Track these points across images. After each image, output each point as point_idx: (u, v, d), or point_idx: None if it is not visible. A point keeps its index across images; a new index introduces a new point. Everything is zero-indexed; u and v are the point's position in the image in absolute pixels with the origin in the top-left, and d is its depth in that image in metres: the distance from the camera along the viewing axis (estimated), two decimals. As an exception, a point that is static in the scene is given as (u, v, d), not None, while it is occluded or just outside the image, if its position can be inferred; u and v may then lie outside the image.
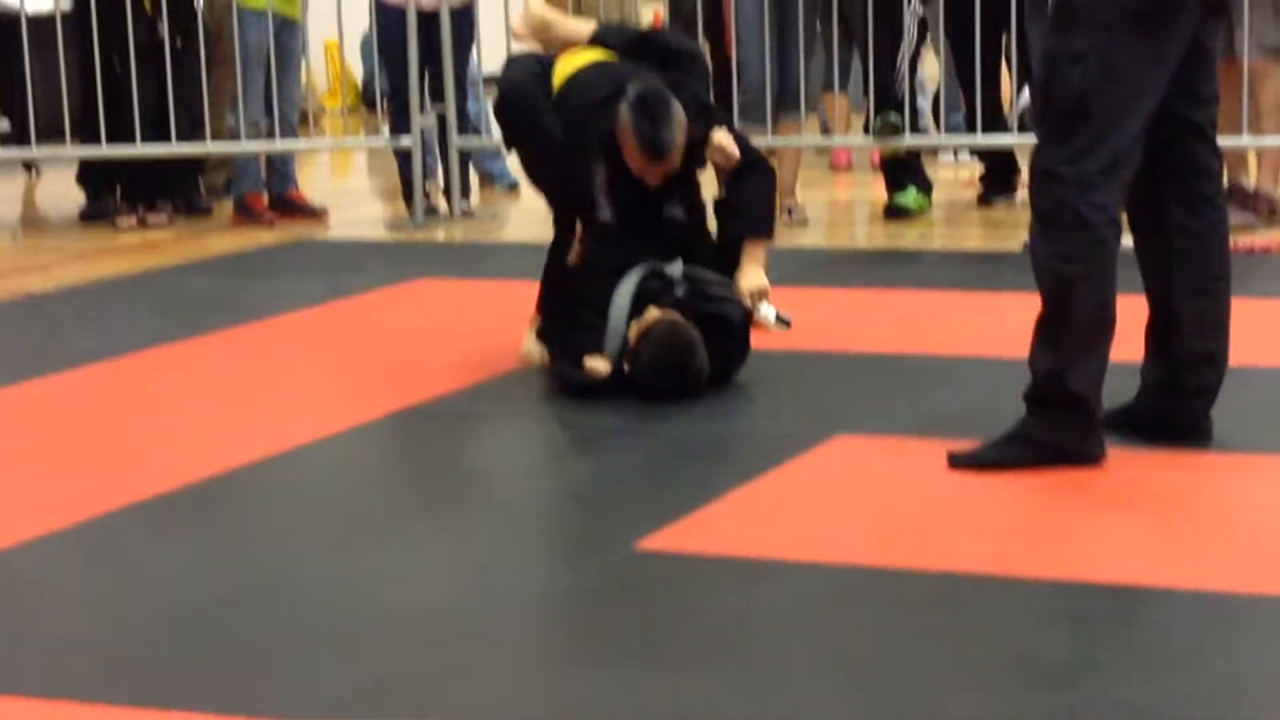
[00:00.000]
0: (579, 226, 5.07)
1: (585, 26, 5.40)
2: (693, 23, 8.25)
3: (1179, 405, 4.23)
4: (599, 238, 5.01)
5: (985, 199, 8.14)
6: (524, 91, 5.12)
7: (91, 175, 8.51)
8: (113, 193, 8.41)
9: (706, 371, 4.81)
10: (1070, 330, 4.03)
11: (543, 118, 5.07)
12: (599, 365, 4.81)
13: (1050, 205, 4.02)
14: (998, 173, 8.19)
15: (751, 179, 5.12)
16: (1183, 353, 4.19)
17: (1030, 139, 7.52)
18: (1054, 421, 4.07)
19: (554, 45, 5.33)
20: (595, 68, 5.17)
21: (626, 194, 4.99)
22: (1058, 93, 3.99)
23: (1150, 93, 3.99)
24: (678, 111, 4.89)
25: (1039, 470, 4.04)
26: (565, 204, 5.15)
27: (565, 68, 5.17)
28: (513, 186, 9.01)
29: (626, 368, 4.82)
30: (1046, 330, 4.06)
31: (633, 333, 4.82)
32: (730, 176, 5.12)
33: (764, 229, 5.16)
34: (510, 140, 5.38)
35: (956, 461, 4.12)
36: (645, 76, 5.01)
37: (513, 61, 5.30)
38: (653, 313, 4.83)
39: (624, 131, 4.89)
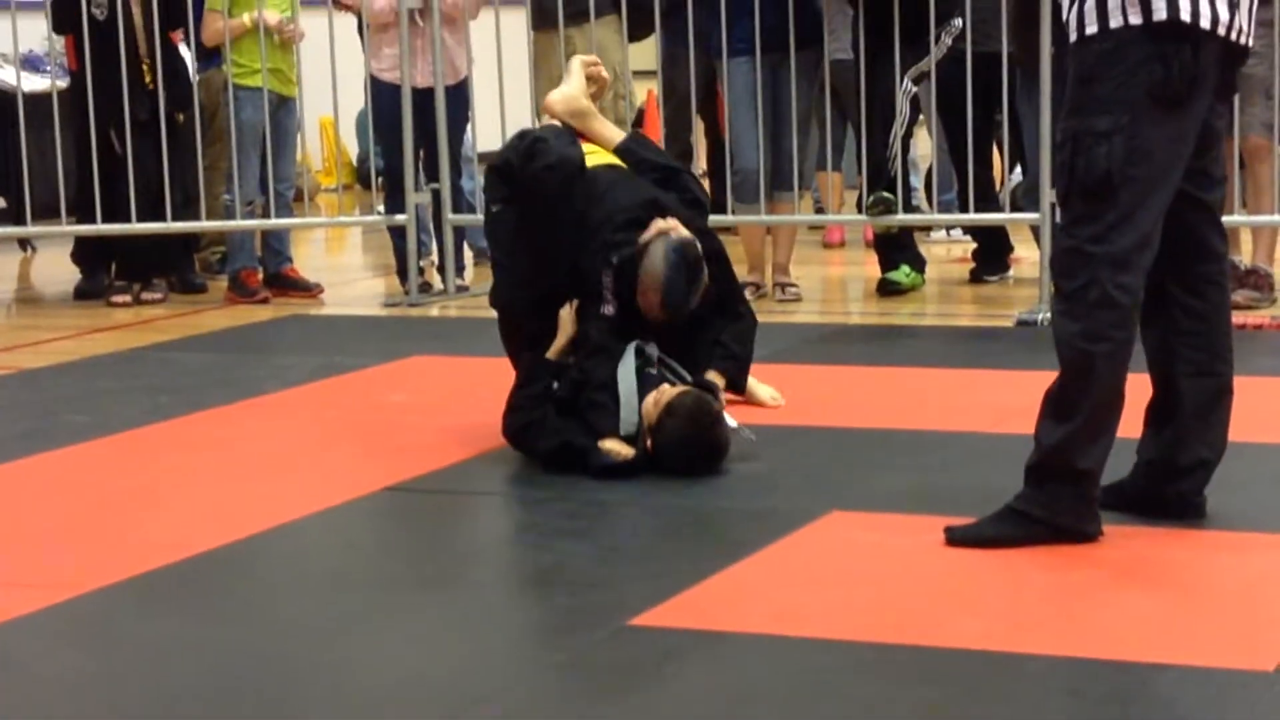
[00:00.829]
0: (569, 315, 5.06)
1: (616, 135, 5.45)
2: (686, 102, 8.30)
3: (1174, 483, 4.22)
4: (601, 326, 5.01)
5: (977, 276, 8.16)
6: (573, 165, 5.14)
7: (87, 253, 8.53)
8: (108, 270, 8.42)
9: (729, 445, 4.83)
10: (1088, 408, 4.03)
11: (577, 199, 5.10)
12: (622, 448, 4.80)
13: (1078, 284, 4.02)
14: (990, 250, 8.22)
15: (742, 327, 5.30)
16: (1181, 432, 4.19)
17: (1021, 217, 7.65)
18: (1053, 496, 4.07)
19: (581, 136, 5.39)
20: (616, 173, 5.24)
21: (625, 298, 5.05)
22: (1083, 172, 4.00)
23: (1174, 171, 4.02)
24: (705, 275, 5.01)
25: (1036, 546, 4.03)
26: (552, 284, 5.12)
27: (589, 158, 5.25)
28: None
29: (648, 444, 4.81)
30: (1061, 405, 4.06)
31: (649, 408, 4.82)
32: (718, 318, 5.22)
33: (743, 381, 5.36)
34: (533, 197, 5.18)
35: (954, 537, 4.12)
36: (673, 216, 5.08)
37: (559, 133, 5.31)
38: (669, 389, 4.84)
39: (652, 279, 4.96)
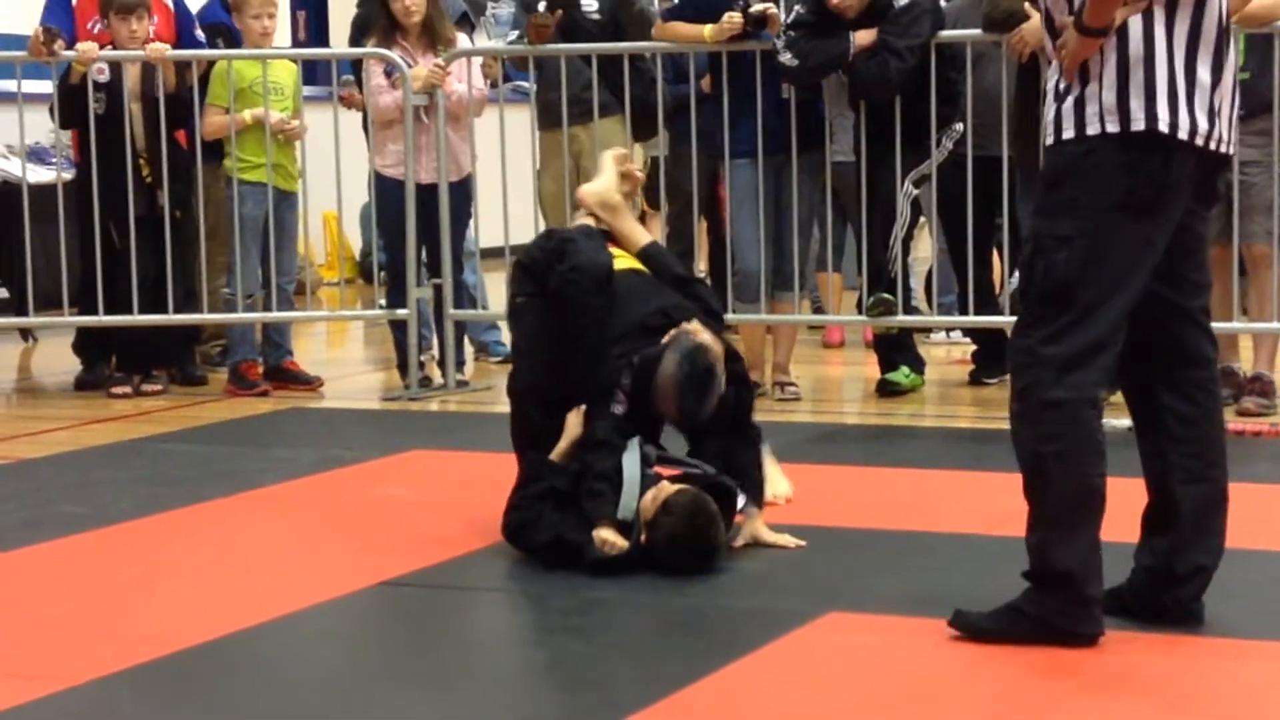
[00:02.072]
0: (576, 420, 5.07)
1: (643, 236, 5.48)
2: (689, 202, 8.34)
3: (1171, 590, 4.21)
4: (607, 425, 5.03)
5: (977, 378, 8.17)
6: (601, 271, 5.17)
7: (88, 344, 8.54)
8: (108, 362, 8.43)
9: (725, 545, 4.84)
10: (1049, 508, 4.04)
11: (602, 304, 5.12)
12: (616, 539, 4.80)
13: (1027, 384, 4.06)
14: (990, 353, 8.23)
15: (751, 450, 5.19)
16: (1178, 539, 4.19)
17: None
18: (1045, 598, 4.06)
19: (609, 231, 5.43)
20: (640, 279, 5.29)
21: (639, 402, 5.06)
22: (1041, 275, 4.03)
23: (1135, 278, 4.03)
24: (721, 385, 4.99)
25: (1034, 648, 4.02)
26: (568, 381, 5.14)
27: (616, 262, 5.30)
28: (506, 359, 9.04)
29: (643, 538, 4.82)
30: (1030, 508, 4.09)
31: (648, 504, 4.82)
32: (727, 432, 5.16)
33: (760, 501, 5.18)
34: (558, 297, 5.17)
35: (957, 620, 4.13)
36: (694, 326, 5.08)
37: (589, 235, 5.35)
38: (668, 486, 4.84)
39: (668, 386, 4.96)
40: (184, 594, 4.73)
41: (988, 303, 7.88)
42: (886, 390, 7.84)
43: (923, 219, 8.13)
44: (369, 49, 8.25)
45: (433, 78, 8.08)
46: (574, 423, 5.06)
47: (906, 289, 7.93)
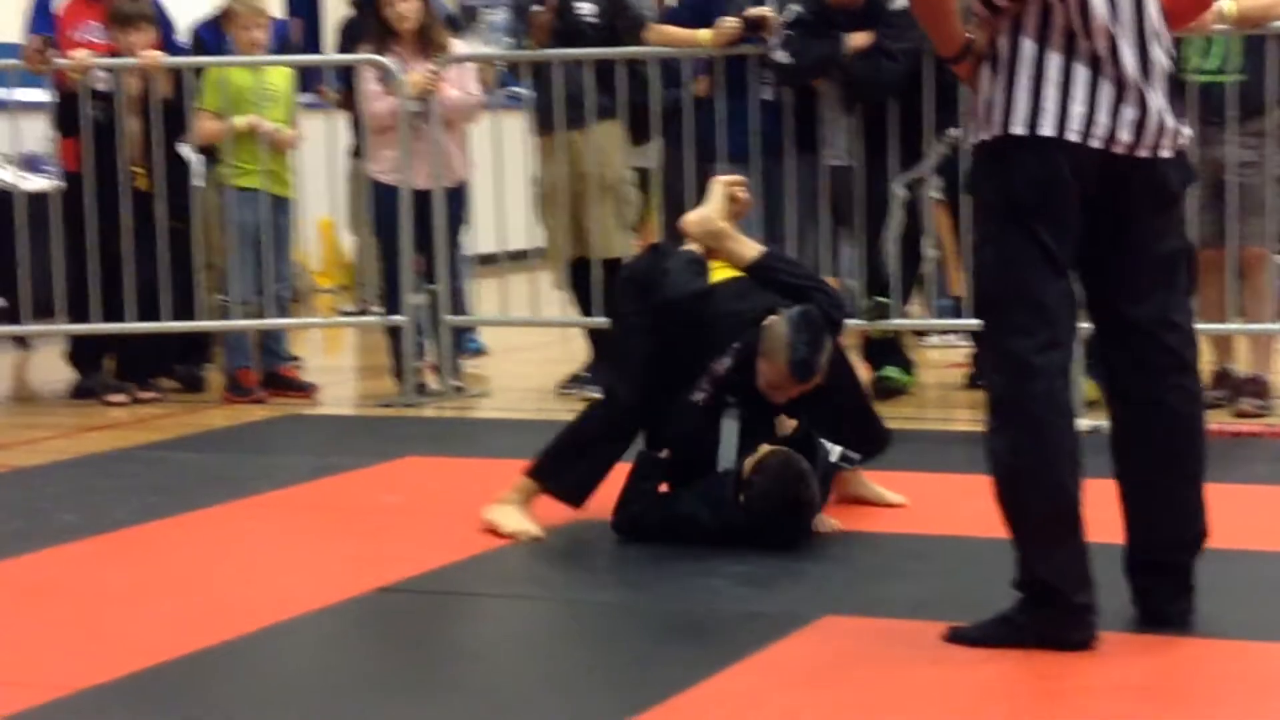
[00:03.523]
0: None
1: (751, 252, 5.50)
2: (682, 208, 8.32)
3: (1156, 586, 4.21)
4: (683, 415, 5.12)
5: (975, 381, 8.14)
6: (691, 301, 5.26)
7: (83, 352, 8.53)
8: (102, 370, 8.42)
9: (818, 506, 5.00)
10: (1023, 522, 4.04)
11: (695, 337, 5.19)
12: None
13: (991, 392, 4.11)
14: None
15: (853, 412, 5.37)
16: (1155, 537, 4.18)
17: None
18: (1036, 605, 4.05)
19: (716, 255, 5.47)
20: (741, 284, 5.36)
21: (741, 399, 5.12)
22: (974, 281, 4.12)
23: (1037, 280, 4.01)
24: (829, 340, 5.07)
25: (1031, 651, 4.01)
26: (655, 374, 5.20)
27: (716, 273, 5.40)
28: (478, 351, 9.06)
29: (741, 499, 4.95)
30: (1004, 519, 4.09)
31: (747, 467, 4.95)
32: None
33: (855, 459, 5.40)
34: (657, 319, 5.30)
35: (953, 637, 4.12)
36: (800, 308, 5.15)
37: (693, 259, 5.43)
38: (764, 447, 4.96)
39: (774, 343, 5.02)
40: (179, 602, 4.71)
41: None
42: (883, 388, 7.82)
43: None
44: (363, 55, 8.25)
45: (427, 83, 8.08)
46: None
47: (906, 291, 7.93)
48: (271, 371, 8.37)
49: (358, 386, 8.99)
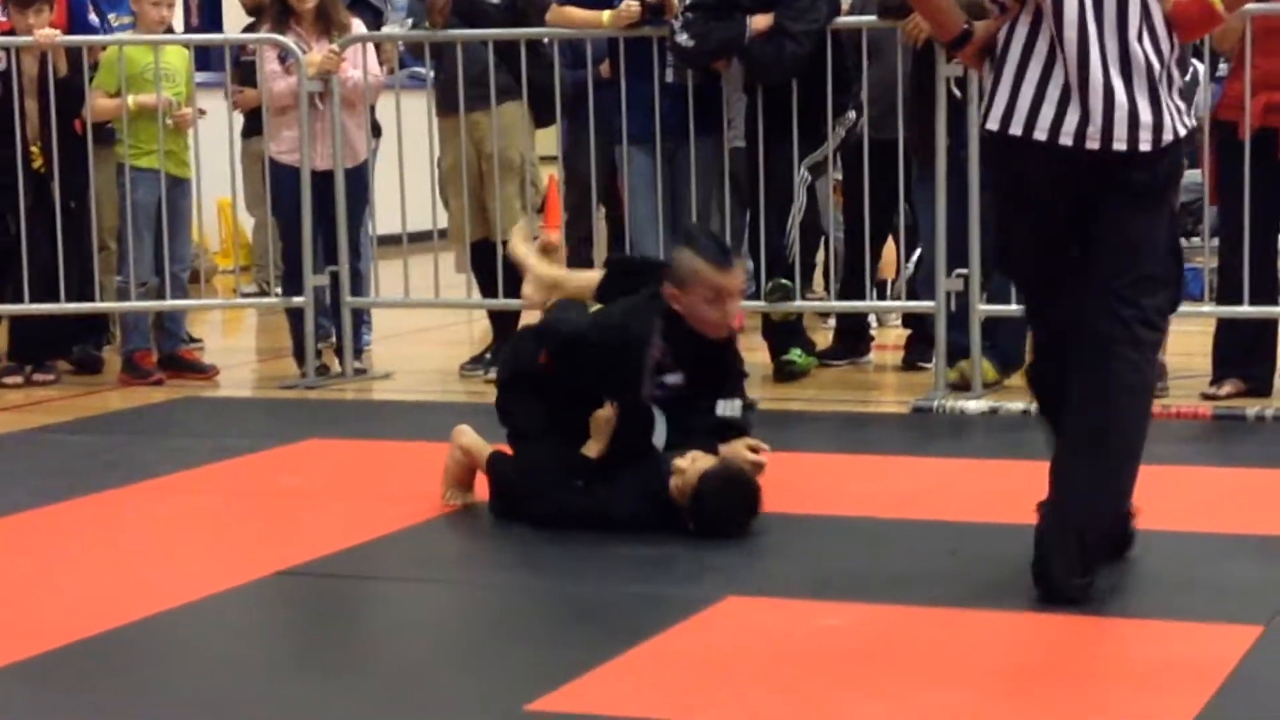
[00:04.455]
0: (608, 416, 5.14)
1: (594, 274, 5.52)
2: (587, 188, 8.33)
3: (1060, 557, 4.26)
4: (633, 419, 5.13)
5: (910, 362, 8.14)
6: (569, 325, 5.27)
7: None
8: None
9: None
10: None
11: (588, 329, 5.23)
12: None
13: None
14: (849, 335, 8.31)
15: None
16: (1074, 505, 4.27)
17: (916, 305, 7.70)
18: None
19: (568, 298, 5.48)
20: (621, 294, 5.36)
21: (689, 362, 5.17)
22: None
23: (1028, 263, 4.40)
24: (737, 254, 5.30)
25: (934, 628, 4.04)
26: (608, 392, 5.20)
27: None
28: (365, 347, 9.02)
29: (691, 524, 4.96)
30: None
31: (689, 477, 4.95)
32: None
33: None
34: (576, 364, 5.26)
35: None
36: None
37: (567, 306, 5.43)
38: (697, 464, 4.97)
39: (685, 264, 5.09)
40: (78, 585, 4.67)
41: (859, 288, 7.89)
42: (784, 372, 7.86)
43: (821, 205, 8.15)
44: (263, 34, 8.18)
45: (328, 63, 8.02)
46: (602, 418, 5.11)
47: (806, 274, 7.96)
48: (170, 353, 8.30)
49: (258, 369, 8.92)
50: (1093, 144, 4.26)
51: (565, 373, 5.18)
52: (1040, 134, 4.27)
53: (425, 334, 9.83)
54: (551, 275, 5.47)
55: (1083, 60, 4.26)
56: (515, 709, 3.62)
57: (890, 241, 8.64)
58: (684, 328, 5.13)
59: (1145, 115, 4.27)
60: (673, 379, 5.19)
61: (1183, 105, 4.38)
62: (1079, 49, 4.26)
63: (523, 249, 5.56)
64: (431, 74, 8.32)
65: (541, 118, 8.33)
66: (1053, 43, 4.28)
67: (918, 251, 8.06)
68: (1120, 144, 4.26)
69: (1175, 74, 4.37)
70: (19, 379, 8.07)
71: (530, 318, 5.62)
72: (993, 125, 4.34)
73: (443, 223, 8.37)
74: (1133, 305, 4.30)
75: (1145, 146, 4.28)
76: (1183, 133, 4.34)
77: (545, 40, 8.14)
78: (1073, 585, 4.24)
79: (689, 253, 5.13)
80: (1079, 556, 4.24)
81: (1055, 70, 4.28)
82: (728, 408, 5.25)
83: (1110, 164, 4.29)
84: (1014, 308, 7.36)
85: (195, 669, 4.04)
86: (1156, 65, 4.28)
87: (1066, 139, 4.26)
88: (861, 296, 7.90)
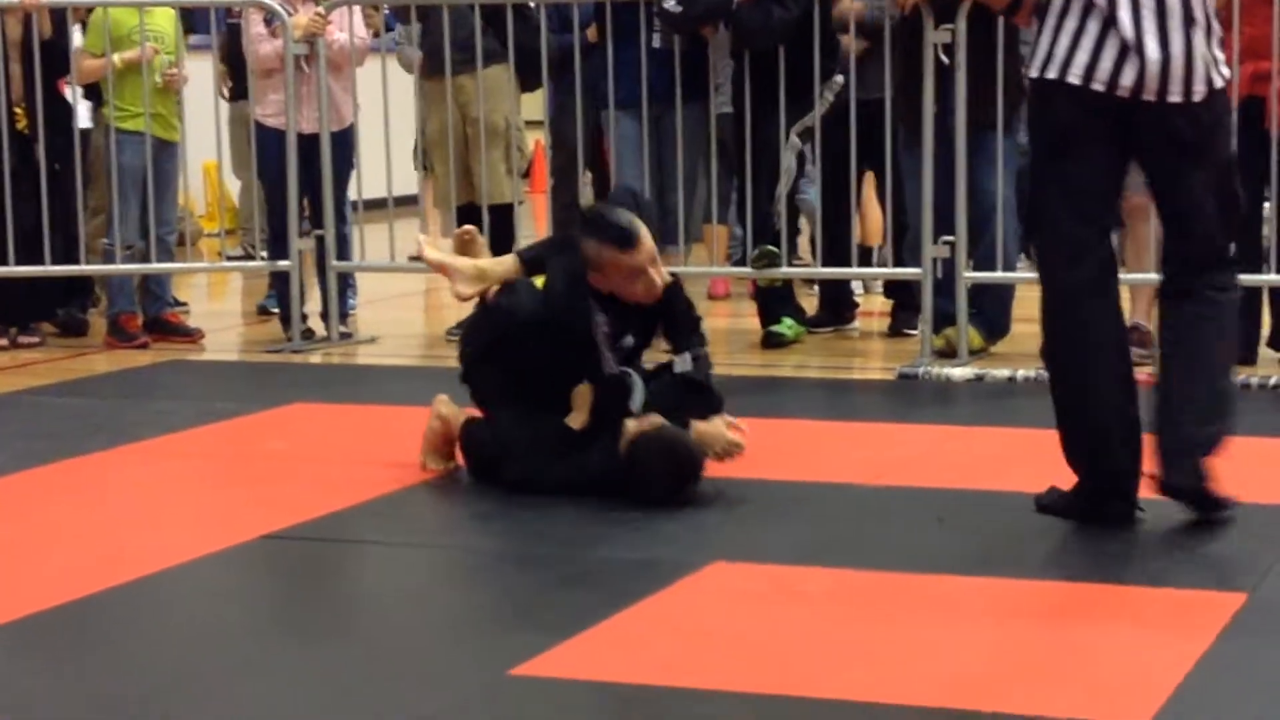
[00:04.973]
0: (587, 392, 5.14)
1: (509, 259, 5.50)
2: (574, 154, 8.31)
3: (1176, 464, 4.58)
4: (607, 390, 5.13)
5: (897, 329, 8.14)
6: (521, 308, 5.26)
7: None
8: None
9: (701, 468, 5.04)
10: (1063, 417, 4.62)
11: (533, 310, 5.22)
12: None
13: (1042, 305, 4.72)
14: (833, 302, 8.30)
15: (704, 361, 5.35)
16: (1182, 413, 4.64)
17: (903, 272, 7.69)
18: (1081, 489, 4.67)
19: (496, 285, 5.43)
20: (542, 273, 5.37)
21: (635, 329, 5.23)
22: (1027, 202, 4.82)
23: (1064, 212, 4.57)
24: (619, 209, 5.25)
25: (912, 593, 4.06)
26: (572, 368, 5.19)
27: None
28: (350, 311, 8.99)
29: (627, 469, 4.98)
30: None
31: (624, 449, 4.97)
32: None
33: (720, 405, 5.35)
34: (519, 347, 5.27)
35: (1039, 506, 4.69)
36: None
37: (514, 288, 5.36)
38: (631, 427, 4.98)
39: (594, 251, 5.11)
40: (62, 549, 4.66)
41: (844, 255, 7.88)
42: (771, 342, 7.87)
43: (810, 169, 8.13)
44: (249, -3, 8.15)
45: (314, 26, 8.00)
46: (584, 391, 5.12)
47: (792, 241, 7.95)
48: (155, 316, 8.28)
49: (243, 332, 8.91)
50: (1126, 93, 4.46)
51: (527, 352, 5.20)
52: (1074, 78, 4.46)
53: (410, 299, 9.81)
54: (476, 267, 5.47)
55: (1114, 15, 4.45)
56: (500, 674, 3.62)
57: (876, 207, 8.64)
58: (616, 298, 5.17)
59: (1178, 68, 4.46)
60: (627, 341, 5.22)
61: (1220, 56, 4.58)
62: (1109, 3, 4.46)
63: (436, 254, 5.55)
64: (414, 34, 8.27)
65: (527, 82, 8.31)
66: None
67: None
68: (1151, 95, 4.47)
69: (1216, 25, 4.57)
70: (3, 341, 8.05)
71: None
72: (1034, 73, 4.54)
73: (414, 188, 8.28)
74: (1202, 248, 4.61)
75: (1175, 99, 4.47)
76: (1219, 84, 4.53)
77: (532, 4, 8.11)
78: (1206, 490, 4.55)
79: (592, 240, 5.13)
80: (1204, 467, 4.54)
81: (1088, 24, 4.46)
82: (680, 363, 5.25)
83: (1147, 112, 4.49)
84: (1000, 274, 7.39)
85: (179, 633, 4.04)
86: (1200, 16, 4.49)
87: (1099, 85, 4.46)
88: (847, 263, 7.89)
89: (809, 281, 8.95)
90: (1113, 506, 4.61)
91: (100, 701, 3.53)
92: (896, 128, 7.52)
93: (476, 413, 5.36)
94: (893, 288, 8.31)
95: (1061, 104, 4.51)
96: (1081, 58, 4.47)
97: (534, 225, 11.17)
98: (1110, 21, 4.46)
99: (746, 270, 7.89)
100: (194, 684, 3.64)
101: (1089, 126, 4.51)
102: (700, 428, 5.12)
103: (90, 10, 8.18)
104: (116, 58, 8.02)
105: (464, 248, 5.60)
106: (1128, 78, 4.46)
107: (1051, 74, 4.49)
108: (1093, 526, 4.57)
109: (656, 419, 5.04)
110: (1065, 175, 4.54)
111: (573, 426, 5.12)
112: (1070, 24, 4.49)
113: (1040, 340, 4.72)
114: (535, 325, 5.19)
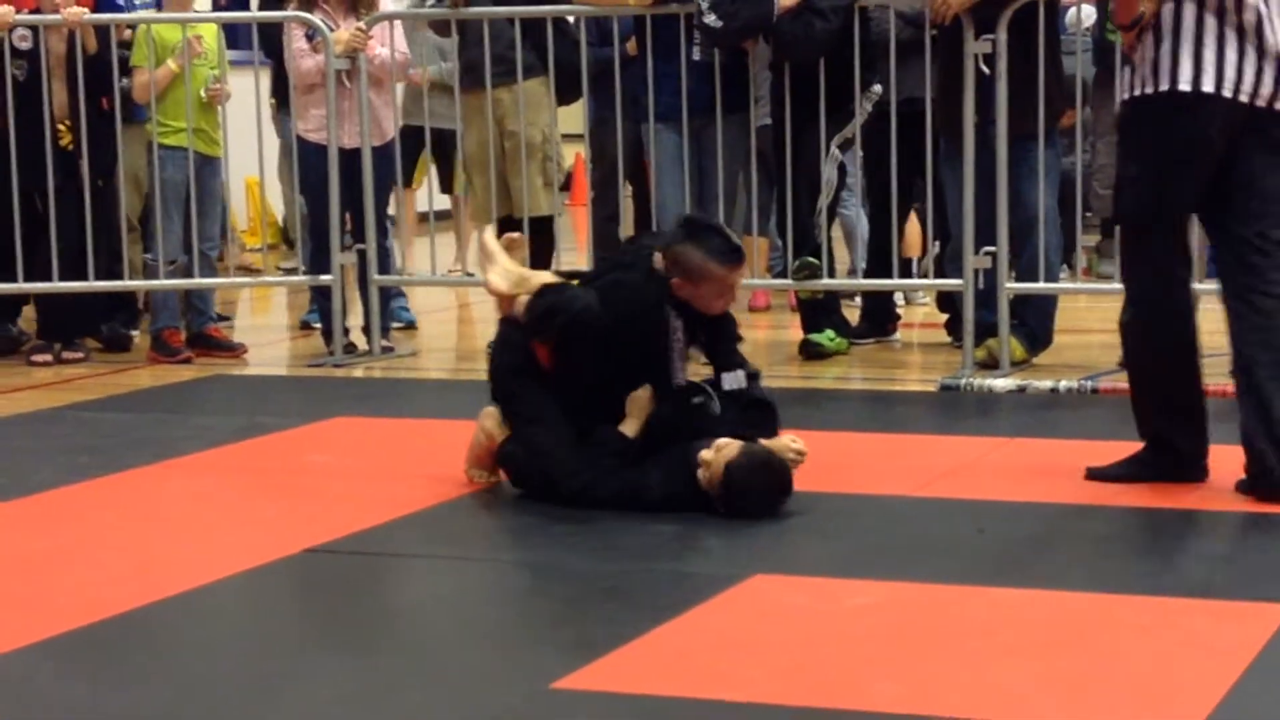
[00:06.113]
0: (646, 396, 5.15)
1: (548, 275, 5.52)
2: (614, 167, 8.32)
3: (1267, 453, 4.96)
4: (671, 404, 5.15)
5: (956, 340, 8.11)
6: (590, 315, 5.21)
7: (1, 310, 8.45)
8: (14, 322, 8.36)
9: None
10: (1140, 384, 5.11)
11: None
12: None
13: (1130, 295, 5.16)
14: (874, 313, 8.28)
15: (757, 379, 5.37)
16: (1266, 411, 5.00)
17: (944, 283, 7.68)
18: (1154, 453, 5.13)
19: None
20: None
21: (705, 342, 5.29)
22: (1118, 203, 5.20)
23: (1155, 227, 4.97)
24: (717, 222, 5.46)
25: (961, 611, 4.04)
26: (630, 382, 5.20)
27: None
28: (410, 325, 9.00)
29: (722, 509, 4.95)
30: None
31: (705, 477, 4.95)
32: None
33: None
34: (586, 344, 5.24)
35: (1091, 475, 5.11)
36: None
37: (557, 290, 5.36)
38: (722, 454, 4.94)
39: (699, 261, 5.11)
40: (105, 563, 4.69)
41: (886, 266, 7.85)
42: (809, 352, 7.85)
43: (851, 183, 8.13)
44: (290, 12, 8.19)
45: (355, 41, 8.03)
46: (642, 399, 5.13)
47: (832, 253, 7.94)
48: (199, 331, 8.32)
49: (286, 346, 8.94)
50: (1263, 101, 4.85)
51: (574, 353, 5.17)
52: (1226, 91, 4.81)
53: (451, 312, 9.84)
54: (518, 270, 5.48)
55: (1259, 30, 4.83)
56: (541, 687, 3.62)
57: (915, 220, 8.63)
58: (689, 307, 5.16)
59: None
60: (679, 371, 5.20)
61: None
62: (1255, 20, 4.83)
63: (493, 241, 5.57)
64: (454, 47, 8.28)
65: (564, 95, 8.32)
66: (1222, 13, 4.81)
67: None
68: (1264, 101, 4.85)
69: None
70: (48, 357, 8.10)
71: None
72: (1185, 86, 4.81)
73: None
74: (1271, 243, 4.91)
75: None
76: None
77: (570, 19, 8.13)
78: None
79: (698, 251, 5.11)
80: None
81: (1228, 36, 4.81)
82: (732, 380, 5.24)
83: (1262, 118, 4.87)
84: (1042, 285, 7.36)
85: (222, 647, 4.05)
86: None
87: (1244, 96, 4.84)
88: (888, 275, 7.88)
89: (850, 294, 8.95)
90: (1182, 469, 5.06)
91: (143, 716, 3.54)
92: (937, 139, 7.50)
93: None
94: (947, 298, 8.28)
95: (1203, 116, 4.82)
96: (1230, 72, 4.79)
97: (574, 238, 11.18)
98: (1256, 32, 4.80)
99: (787, 282, 7.89)
100: (237, 697, 3.65)
101: (1216, 142, 4.85)
102: (768, 443, 5.11)
103: (132, 26, 8.22)
104: (171, 63, 8.04)
105: (512, 251, 5.60)
106: (1266, 88, 4.84)
107: (1207, 86, 4.79)
108: (1134, 538, 4.54)
109: (730, 443, 5.00)
110: (1188, 180, 4.88)
111: (627, 435, 5.11)
112: (1210, 37, 4.82)
113: (1121, 318, 5.09)
114: (599, 322, 5.16)
